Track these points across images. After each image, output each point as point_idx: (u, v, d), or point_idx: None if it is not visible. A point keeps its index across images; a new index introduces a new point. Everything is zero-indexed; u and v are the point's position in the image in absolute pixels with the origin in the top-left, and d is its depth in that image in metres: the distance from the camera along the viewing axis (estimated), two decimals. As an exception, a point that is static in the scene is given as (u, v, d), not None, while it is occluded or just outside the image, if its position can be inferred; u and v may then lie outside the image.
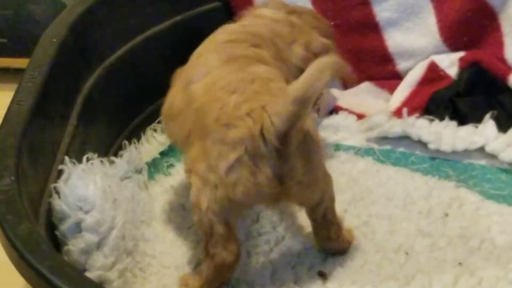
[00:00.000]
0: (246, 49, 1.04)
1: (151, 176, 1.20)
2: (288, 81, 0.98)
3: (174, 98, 1.04)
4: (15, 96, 0.97)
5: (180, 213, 1.11)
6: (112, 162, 1.11)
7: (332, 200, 1.01)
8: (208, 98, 0.95)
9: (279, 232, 1.07)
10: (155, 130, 1.29)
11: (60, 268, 0.75)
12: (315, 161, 0.94)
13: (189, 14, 1.35)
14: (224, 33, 1.11)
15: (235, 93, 0.93)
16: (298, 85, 0.85)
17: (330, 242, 1.03)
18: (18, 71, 1.04)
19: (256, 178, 0.90)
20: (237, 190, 0.90)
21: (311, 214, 1.02)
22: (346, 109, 1.32)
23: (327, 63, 0.86)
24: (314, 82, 0.85)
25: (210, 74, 0.98)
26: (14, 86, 1.00)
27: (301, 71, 0.99)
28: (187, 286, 0.99)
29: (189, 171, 0.96)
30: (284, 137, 0.87)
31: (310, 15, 1.20)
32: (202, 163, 0.92)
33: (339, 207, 1.10)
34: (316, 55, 1.09)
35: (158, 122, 1.29)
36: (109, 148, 1.19)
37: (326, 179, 0.99)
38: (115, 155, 1.17)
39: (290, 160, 0.90)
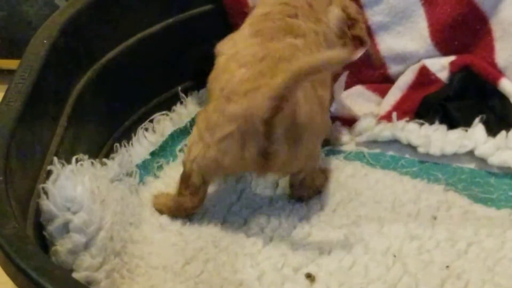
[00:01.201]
0: (279, 20, 1.11)
1: (141, 179, 1.20)
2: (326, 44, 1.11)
3: (215, 67, 1.10)
4: (4, 96, 0.97)
5: (169, 217, 1.11)
6: (103, 164, 1.11)
7: (312, 168, 1.11)
8: (223, 67, 1.06)
9: (267, 234, 1.08)
10: (146, 129, 1.29)
11: (46, 269, 0.75)
12: (302, 144, 1.03)
13: (182, 17, 1.35)
14: (262, 4, 1.17)
15: (243, 68, 1.02)
16: (279, 81, 0.93)
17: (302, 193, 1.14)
18: (11, 72, 1.04)
19: (243, 153, 1.01)
20: (225, 158, 1.02)
21: (290, 178, 1.13)
22: (336, 117, 1.32)
23: (318, 62, 0.92)
24: (296, 80, 0.93)
25: (235, 47, 1.08)
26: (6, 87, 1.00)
27: (337, 35, 1.16)
28: (157, 199, 1.14)
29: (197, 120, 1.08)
30: (269, 122, 0.97)
31: None
32: (204, 121, 1.03)
33: (327, 208, 1.12)
34: (351, 20, 1.19)
35: (150, 121, 1.30)
36: (100, 150, 1.19)
37: (312, 154, 1.08)
38: (106, 156, 1.17)
39: (276, 143, 1.00)
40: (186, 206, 1.09)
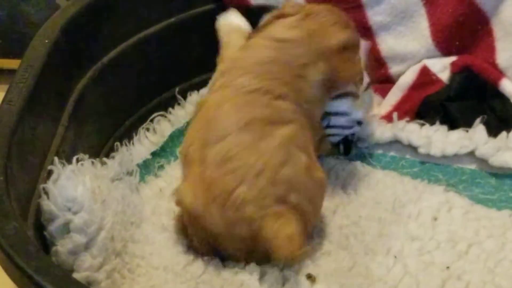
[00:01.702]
0: (267, 105, 1.04)
1: (142, 178, 1.20)
2: (311, 125, 1.08)
3: (190, 143, 1.04)
4: (5, 96, 0.97)
5: (170, 217, 1.11)
6: (103, 163, 1.11)
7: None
8: (218, 175, 0.98)
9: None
10: (147, 129, 1.29)
11: (47, 269, 0.76)
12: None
13: (183, 16, 1.35)
14: (243, 75, 1.07)
15: (243, 185, 0.97)
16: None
17: None
18: (12, 72, 1.04)
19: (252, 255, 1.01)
20: (231, 252, 1.02)
21: None
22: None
23: None
24: None
25: (224, 141, 1.00)
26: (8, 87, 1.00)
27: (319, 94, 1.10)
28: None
29: (178, 203, 1.04)
30: None
31: (327, 12, 1.15)
32: (198, 218, 1.00)
33: (327, 209, 1.11)
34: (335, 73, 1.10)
35: (151, 121, 1.29)
36: (100, 149, 1.19)
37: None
38: (107, 156, 1.17)
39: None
40: (201, 253, 1.05)
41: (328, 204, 1.13)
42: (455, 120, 1.26)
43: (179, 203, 1.03)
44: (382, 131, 1.24)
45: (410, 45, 1.35)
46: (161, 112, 1.31)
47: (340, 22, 1.13)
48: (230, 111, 1.03)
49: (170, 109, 1.33)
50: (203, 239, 1.02)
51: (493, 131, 1.21)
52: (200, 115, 1.06)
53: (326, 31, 1.11)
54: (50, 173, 0.97)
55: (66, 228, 0.92)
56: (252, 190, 0.97)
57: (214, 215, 0.98)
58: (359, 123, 1.23)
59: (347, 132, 1.23)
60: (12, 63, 1.56)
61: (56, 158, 0.98)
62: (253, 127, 1.01)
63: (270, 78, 1.06)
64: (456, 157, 1.21)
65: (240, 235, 0.98)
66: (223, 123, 1.01)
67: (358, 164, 1.24)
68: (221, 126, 1.01)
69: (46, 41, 1.08)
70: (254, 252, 1.00)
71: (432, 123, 1.24)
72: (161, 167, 1.24)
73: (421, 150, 1.21)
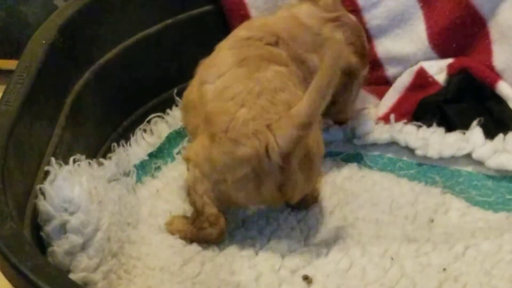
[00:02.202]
0: (261, 47, 1.10)
1: (138, 179, 1.20)
2: (305, 81, 1.08)
3: (191, 91, 1.12)
4: (2, 97, 0.97)
5: (166, 218, 1.11)
6: (100, 164, 1.11)
7: (314, 189, 1.12)
8: (218, 106, 1.02)
9: (265, 235, 1.08)
10: (144, 131, 1.28)
11: (43, 269, 0.76)
12: (315, 171, 1.05)
13: (181, 18, 1.35)
14: (245, 28, 1.17)
15: (244, 107, 1.00)
16: (302, 109, 0.94)
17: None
18: (10, 72, 1.04)
19: (260, 190, 1.01)
20: (239, 195, 1.02)
21: None
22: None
23: (328, 75, 0.93)
24: (318, 103, 0.94)
25: (221, 78, 1.06)
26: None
27: None
28: (171, 225, 1.09)
29: (187, 158, 1.05)
30: (287, 155, 0.97)
31: (351, 29, 1.21)
32: (205, 161, 1.01)
33: (324, 211, 1.12)
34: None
35: (148, 122, 1.29)
36: (98, 150, 1.19)
37: (320, 173, 1.12)
38: (104, 157, 1.17)
39: (293, 175, 1.00)
40: (213, 237, 1.05)
41: (325, 205, 1.13)
42: (452, 122, 1.25)
43: (186, 157, 1.05)
44: (379, 133, 1.24)
45: (407, 47, 1.35)
46: (158, 113, 1.31)
47: (355, 46, 1.20)
48: (227, 54, 1.10)
49: (167, 110, 1.33)
50: (212, 192, 1.02)
51: (490, 133, 1.21)
52: (201, 63, 1.13)
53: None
54: (47, 173, 0.97)
55: (62, 229, 0.92)
56: (253, 110, 0.99)
57: (220, 146, 1.00)
58: None
59: None
60: (9, 64, 1.56)
61: (53, 159, 0.98)
62: (248, 62, 1.06)
63: (268, 31, 1.13)
64: (453, 159, 1.21)
65: (246, 159, 0.98)
66: (220, 64, 1.08)
67: (355, 165, 1.25)
68: (218, 66, 1.08)
69: (43, 42, 1.08)
70: (261, 189, 1.00)
71: (429, 125, 1.24)
72: (158, 168, 1.24)
73: (418, 152, 1.21)
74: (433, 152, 1.20)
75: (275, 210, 1.12)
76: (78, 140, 1.12)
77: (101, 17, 1.21)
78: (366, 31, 1.35)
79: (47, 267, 0.77)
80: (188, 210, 1.11)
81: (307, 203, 1.13)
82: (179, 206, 1.15)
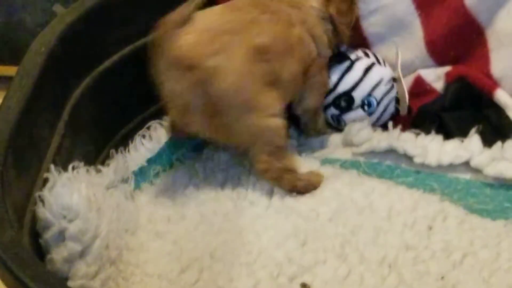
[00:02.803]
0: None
1: (137, 185, 1.20)
2: None
3: None
4: (2, 103, 0.98)
5: (165, 224, 1.12)
6: (98, 171, 1.11)
7: (269, 144, 1.14)
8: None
9: (263, 242, 1.08)
10: (143, 137, 1.29)
11: (42, 277, 0.76)
12: (223, 118, 1.08)
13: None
14: None
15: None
16: None
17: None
18: (9, 79, 1.04)
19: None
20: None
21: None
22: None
23: None
24: None
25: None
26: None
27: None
28: None
29: None
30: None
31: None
32: None
33: (323, 217, 1.11)
34: None
35: (147, 128, 1.30)
36: (96, 157, 1.19)
37: (256, 131, 1.12)
38: (103, 163, 1.18)
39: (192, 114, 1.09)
40: None
41: (324, 211, 1.13)
42: (450, 130, 1.26)
43: None
44: (377, 141, 1.24)
45: (405, 55, 1.35)
46: (158, 120, 1.31)
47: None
48: (216, 9, 1.16)
49: (166, 116, 1.33)
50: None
51: (488, 141, 1.21)
52: None
53: None
54: (46, 180, 0.97)
55: (61, 236, 0.93)
56: None
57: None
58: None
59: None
60: (9, 70, 1.57)
61: (52, 166, 0.99)
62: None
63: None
64: (451, 166, 1.20)
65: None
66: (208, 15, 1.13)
67: (354, 172, 1.24)
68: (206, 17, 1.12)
69: (43, 49, 1.09)
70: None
71: (427, 132, 1.24)
72: (157, 174, 1.24)
73: (417, 160, 1.21)
74: (431, 159, 1.20)
75: (272, 216, 1.13)
76: (77, 147, 1.12)
77: (100, 24, 1.21)
78: (364, 38, 1.36)
79: (45, 274, 0.77)
80: (187, 215, 1.11)
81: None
82: (178, 212, 1.15)
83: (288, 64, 1.15)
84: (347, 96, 1.30)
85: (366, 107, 1.30)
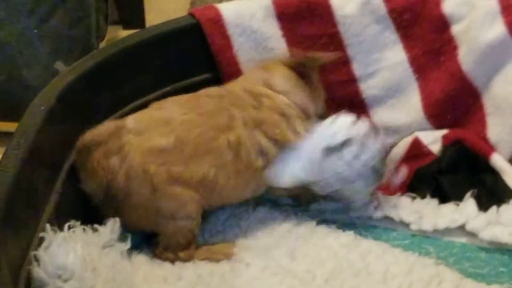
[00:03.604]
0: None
1: (134, 244, 1.20)
2: None
3: None
4: (0, 162, 0.98)
5: (161, 284, 1.11)
6: (95, 230, 1.11)
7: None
8: None
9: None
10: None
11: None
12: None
13: (179, 85, 1.36)
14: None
15: None
16: None
17: None
18: (9, 135, 1.05)
19: None
20: None
21: None
22: None
23: None
24: None
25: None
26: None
27: None
28: None
29: None
30: None
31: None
32: None
33: (319, 278, 1.11)
34: None
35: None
36: (94, 215, 1.19)
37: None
38: (101, 221, 1.18)
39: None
40: None
41: (320, 273, 1.13)
42: (446, 193, 1.26)
43: None
44: (374, 208, 1.25)
45: (403, 118, 1.36)
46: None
47: None
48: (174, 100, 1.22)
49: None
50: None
51: (483, 205, 1.22)
52: None
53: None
54: (41, 240, 0.97)
55: (56, 296, 0.92)
56: None
57: None
58: None
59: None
60: (9, 126, 1.58)
61: (48, 226, 0.99)
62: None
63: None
64: (447, 230, 1.21)
65: None
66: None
67: (350, 234, 1.24)
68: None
69: (42, 108, 1.09)
70: None
71: (423, 196, 1.25)
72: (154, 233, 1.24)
73: (413, 227, 1.21)
74: (427, 225, 1.21)
75: (268, 277, 1.12)
76: (74, 206, 1.12)
77: (100, 83, 1.23)
78: (362, 100, 1.37)
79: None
80: (183, 276, 1.11)
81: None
82: (175, 273, 1.15)
83: (197, 167, 1.15)
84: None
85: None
